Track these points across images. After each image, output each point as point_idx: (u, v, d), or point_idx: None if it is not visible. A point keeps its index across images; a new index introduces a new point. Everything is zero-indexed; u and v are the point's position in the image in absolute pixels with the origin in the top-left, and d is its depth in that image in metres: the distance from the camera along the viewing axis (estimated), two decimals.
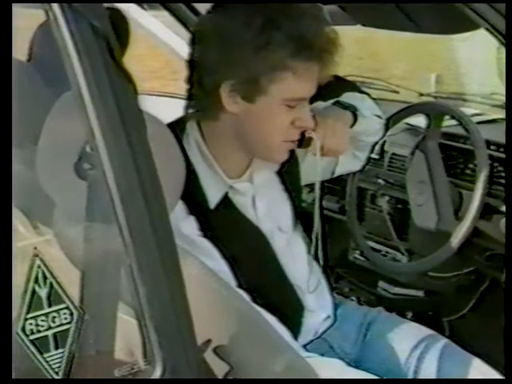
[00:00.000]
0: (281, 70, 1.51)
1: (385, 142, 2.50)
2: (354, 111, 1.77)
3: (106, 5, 0.93)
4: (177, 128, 1.55)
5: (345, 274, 2.86)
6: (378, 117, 1.87)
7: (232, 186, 1.62)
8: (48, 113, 0.95)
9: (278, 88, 1.52)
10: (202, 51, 1.56)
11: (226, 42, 1.50)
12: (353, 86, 1.99)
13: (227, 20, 1.51)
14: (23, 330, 0.85)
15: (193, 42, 1.60)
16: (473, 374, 1.64)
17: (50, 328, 0.86)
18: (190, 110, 1.64)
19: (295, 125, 1.58)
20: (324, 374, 1.36)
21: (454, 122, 2.30)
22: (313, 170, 1.73)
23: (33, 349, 0.85)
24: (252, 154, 1.64)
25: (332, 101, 1.79)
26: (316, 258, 1.76)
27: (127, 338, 0.95)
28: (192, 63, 1.59)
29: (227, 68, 1.51)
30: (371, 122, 1.83)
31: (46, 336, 0.86)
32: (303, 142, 1.64)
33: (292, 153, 1.67)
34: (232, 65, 1.50)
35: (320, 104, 1.76)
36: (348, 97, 1.82)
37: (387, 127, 1.98)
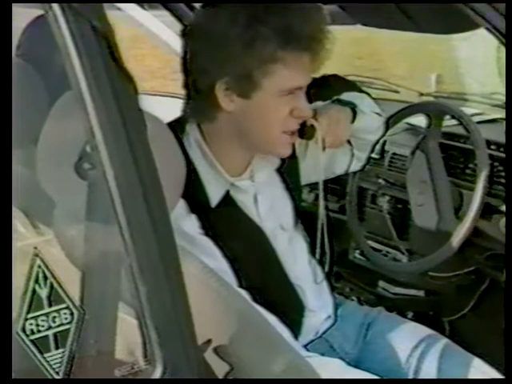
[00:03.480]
0: (271, 62, 1.51)
1: (385, 141, 2.50)
2: (352, 107, 1.77)
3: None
4: (177, 128, 1.55)
5: (345, 274, 2.85)
6: (378, 114, 1.87)
7: (233, 183, 1.62)
8: (47, 112, 0.95)
9: (271, 81, 1.52)
10: (192, 53, 1.57)
11: (214, 41, 1.52)
12: (352, 86, 1.99)
13: (213, 20, 1.52)
14: (23, 329, 0.85)
15: (184, 46, 1.60)
16: (473, 374, 1.64)
17: (50, 328, 0.86)
18: (189, 111, 1.64)
19: (293, 114, 1.58)
20: (324, 374, 1.36)
21: (454, 121, 2.30)
22: (314, 168, 1.73)
23: (33, 349, 0.85)
24: (253, 150, 1.65)
25: (334, 98, 1.79)
26: (321, 262, 1.76)
27: (128, 337, 0.95)
28: (185, 66, 1.59)
29: (219, 67, 1.52)
30: (371, 118, 1.83)
31: (47, 336, 0.86)
32: (306, 132, 1.65)
33: (293, 152, 1.67)
34: (223, 63, 1.51)
35: (319, 104, 1.76)
36: (347, 96, 1.82)
37: (387, 126, 1.98)
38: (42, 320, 0.86)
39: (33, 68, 1.31)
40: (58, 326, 0.87)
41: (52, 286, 0.86)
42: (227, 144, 1.61)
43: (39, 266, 0.85)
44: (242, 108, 1.54)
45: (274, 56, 1.51)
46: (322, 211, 1.74)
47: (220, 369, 1.11)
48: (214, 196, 1.59)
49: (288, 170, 1.74)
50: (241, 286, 1.54)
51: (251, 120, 1.57)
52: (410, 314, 2.62)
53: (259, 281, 1.59)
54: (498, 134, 2.17)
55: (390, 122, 2.11)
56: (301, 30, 1.51)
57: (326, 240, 1.74)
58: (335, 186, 2.64)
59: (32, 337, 0.85)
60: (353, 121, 1.76)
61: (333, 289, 1.82)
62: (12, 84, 0.92)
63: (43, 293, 0.85)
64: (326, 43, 1.56)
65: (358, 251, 2.68)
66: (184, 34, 1.62)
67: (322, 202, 1.73)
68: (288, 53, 1.52)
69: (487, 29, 1.70)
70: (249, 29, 1.49)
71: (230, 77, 1.52)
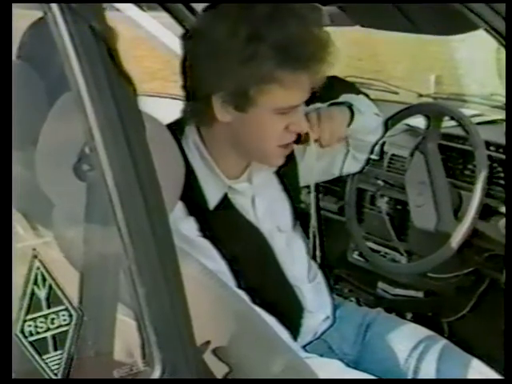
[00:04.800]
0: (268, 81, 1.49)
1: (384, 142, 2.50)
2: (349, 106, 1.76)
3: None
4: (176, 129, 1.55)
5: (344, 275, 2.86)
6: (376, 115, 1.87)
7: (231, 186, 1.62)
8: (46, 114, 0.95)
9: (267, 99, 1.51)
10: (192, 60, 1.56)
11: (213, 53, 1.50)
12: (351, 87, 1.98)
13: (213, 31, 1.50)
14: (22, 331, 0.85)
15: (184, 52, 1.59)
16: (472, 375, 1.64)
17: (48, 329, 0.86)
18: (188, 113, 1.64)
19: (289, 129, 1.58)
20: (323, 375, 1.36)
21: (453, 122, 2.30)
22: (312, 170, 1.74)
23: (32, 350, 0.85)
24: (248, 158, 1.65)
25: (329, 102, 1.78)
26: (314, 257, 1.76)
27: (126, 339, 0.95)
28: (184, 70, 1.59)
29: (216, 80, 1.50)
30: (369, 118, 1.83)
31: (45, 337, 0.86)
32: (301, 138, 1.65)
33: (289, 154, 1.67)
34: (220, 77, 1.50)
35: (318, 106, 1.76)
36: (345, 98, 1.82)
37: (386, 127, 1.98)
38: (41, 321, 0.86)
39: (33, 69, 1.31)
40: (57, 327, 0.87)
41: (51, 288, 0.86)
42: (225, 148, 1.61)
43: (38, 268, 0.85)
44: (237, 120, 1.54)
45: (271, 75, 1.49)
46: (313, 211, 1.74)
47: (219, 370, 1.11)
48: (212, 198, 1.59)
49: (286, 172, 1.74)
50: (239, 287, 1.54)
51: (247, 132, 1.57)
52: (409, 315, 2.62)
53: (258, 282, 1.59)
54: (498, 135, 2.17)
55: (389, 123, 2.11)
56: (301, 50, 1.49)
57: (318, 240, 1.74)
58: (334, 187, 2.64)
59: (31, 338, 0.85)
60: (351, 121, 1.76)
61: (331, 289, 1.83)
62: (12, 85, 0.91)
63: (42, 294, 0.85)
64: (326, 61, 1.53)
65: (356, 252, 2.68)
66: (184, 40, 1.61)
67: (313, 204, 1.73)
68: (286, 73, 1.49)
69: (486, 30, 1.70)
70: (248, 45, 1.46)
71: (226, 91, 1.50)
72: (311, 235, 1.74)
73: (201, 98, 1.54)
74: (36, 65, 1.30)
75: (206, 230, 1.56)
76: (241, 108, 1.52)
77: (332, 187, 2.66)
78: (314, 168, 1.71)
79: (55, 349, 0.87)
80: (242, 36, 1.46)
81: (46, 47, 0.89)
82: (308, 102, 1.62)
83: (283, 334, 1.54)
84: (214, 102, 1.52)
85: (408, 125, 2.52)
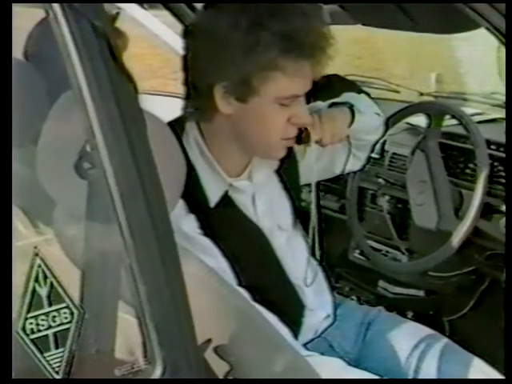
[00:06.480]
0: (271, 69, 1.50)
1: (385, 141, 2.50)
2: (350, 107, 1.76)
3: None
4: (176, 127, 1.55)
5: (345, 274, 2.86)
6: (377, 114, 1.87)
7: (232, 184, 1.62)
8: (48, 112, 0.95)
9: (270, 88, 1.51)
10: (193, 53, 1.56)
11: (215, 44, 1.50)
12: (352, 86, 1.99)
13: (215, 22, 1.51)
14: (23, 329, 0.85)
15: (185, 46, 1.59)
16: (473, 374, 1.64)
17: (50, 327, 0.86)
18: (189, 110, 1.64)
19: (291, 122, 1.58)
20: (324, 373, 1.36)
21: (454, 121, 2.30)
22: (313, 168, 1.74)
23: (33, 348, 0.85)
24: (250, 152, 1.65)
25: (330, 101, 1.79)
26: (313, 254, 1.76)
27: (127, 337, 0.95)
28: (186, 65, 1.59)
29: (218, 70, 1.51)
30: (369, 118, 1.83)
31: (47, 335, 0.86)
32: (302, 138, 1.65)
33: (290, 150, 1.67)
34: (223, 67, 1.50)
35: (319, 104, 1.76)
36: (346, 97, 1.82)
37: (387, 126, 1.98)
38: (42, 319, 0.86)
39: (39, 68, 1.31)
40: (58, 325, 0.87)
41: (52, 286, 0.86)
42: (226, 144, 1.61)
43: (39, 266, 0.85)
44: (239, 111, 1.54)
45: (274, 63, 1.49)
46: (313, 209, 1.74)
47: (220, 368, 1.11)
48: (213, 196, 1.59)
49: (287, 170, 1.74)
50: (240, 285, 1.54)
51: (248, 124, 1.57)
52: (410, 314, 2.62)
53: (259, 280, 1.59)
54: (498, 134, 2.17)
55: (390, 122, 2.11)
56: (303, 38, 1.49)
57: (317, 238, 1.74)
58: (335, 185, 2.64)
59: (32, 336, 0.85)
60: (352, 121, 1.76)
61: (332, 288, 1.82)
62: (12, 83, 0.92)
63: (43, 292, 0.86)
64: (328, 50, 1.54)
65: (357, 251, 2.68)
66: (186, 34, 1.62)
67: (314, 202, 1.73)
68: (288, 61, 1.50)
69: (487, 29, 1.70)
70: (250, 34, 1.47)
71: (228, 81, 1.51)
72: (311, 233, 1.74)
73: (202, 90, 1.54)
74: (42, 63, 1.30)
75: (207, 228, 1.56)
76: (243, 98, 1.52)
77: (333, 186, 2.65)
78: (314, 167, 1.71)
79: (56, 346, 0.87)
80: (245, 25, 1.47)
81: (51, 46, 0.89)
82: (309, 96, 1.62)
83: (284, 331, 1.54)
84: (216, 93, 1.52)
85: (409, 123, 2.53)
